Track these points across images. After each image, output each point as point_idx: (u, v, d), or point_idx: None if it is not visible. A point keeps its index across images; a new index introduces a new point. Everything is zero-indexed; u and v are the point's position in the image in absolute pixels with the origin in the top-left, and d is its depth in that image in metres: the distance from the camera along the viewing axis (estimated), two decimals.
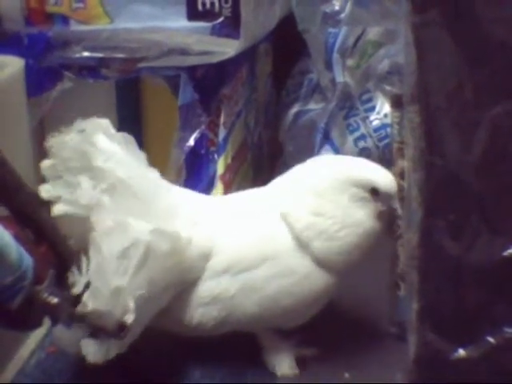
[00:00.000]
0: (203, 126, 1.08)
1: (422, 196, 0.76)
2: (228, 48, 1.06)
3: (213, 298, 0.88)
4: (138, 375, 0.89)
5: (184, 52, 1.07)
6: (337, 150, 1.19)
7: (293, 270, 0.88)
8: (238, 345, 0.92)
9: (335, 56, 1.20)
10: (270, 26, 1.19)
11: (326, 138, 1.20)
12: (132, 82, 1.14)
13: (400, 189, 0.91)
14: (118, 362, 0.81)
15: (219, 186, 1.09)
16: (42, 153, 0.87)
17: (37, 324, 0.76)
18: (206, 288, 0.88)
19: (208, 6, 1.06)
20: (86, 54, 1.07)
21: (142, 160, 0.89)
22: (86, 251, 0.80)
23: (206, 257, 0.89)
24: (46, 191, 0.83)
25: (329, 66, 1.20)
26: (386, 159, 1.12)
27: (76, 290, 0.76)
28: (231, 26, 1.06)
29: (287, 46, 1.28)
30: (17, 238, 0.71)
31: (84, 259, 0.78)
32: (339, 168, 0.90)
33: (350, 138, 1.19)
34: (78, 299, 0.76)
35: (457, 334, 0.76)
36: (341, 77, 1.20)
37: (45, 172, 0.85)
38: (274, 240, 0.89)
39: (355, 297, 1.01)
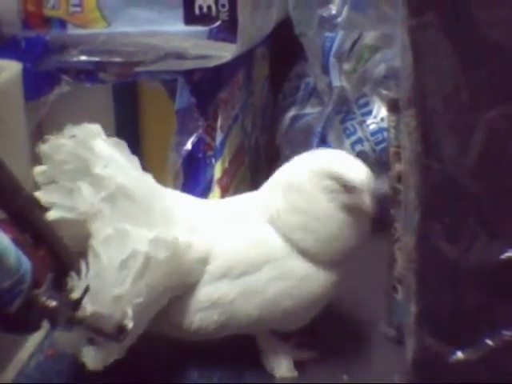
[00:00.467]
0: (200, 130, 1.08)
1: (419, 199, 0.76)
2: (225, 52, 1.06)
3: (212, 303, 0.88)
4: (136, 377, 0.89)
5: (181, 56, 1.07)
6: None
7: (292, 272, 0.89)
8: (237, 346, 0.92)
9: (332, 60, 1.20)
10: (267, 29, 1.19)
11: (323, 142, 1.20)
12: (129, 86, 1.14)
13: (397, 192, 0.91)
14: (115, 365, 0.82)
15: (216, 190, 1.09)
16: (39, 156, 0.87)
17: (35, 327, 0.75)
18: (205, 292, 0.88)
19: (205, 10, 1.06)
20: (83, 57, 1.07)
21: (136, 164, 0.89)
22: (82, 254, 0.80)
23: (204, 260, 0.89)
24: (40, 197, 0.83)
25: (325, 70, 1.21)
26: (382, 163, 1.13)
27: (75, 295, 0.76)
28: (228, 30, 1.06)
29: (284, 50, 1.28)
30: (15, 241, 0.71)
31: (83, 264, 0.78)
32: (315, 161, 0.91)
33: (347, 142, 1.20)
34: (77, 303, 0.76)
35: (455, 336, 0.77)
36: (337, 81, 1.20)
37: (38, 178, 0.85)
38: (271, 243, 0.90)
39: (353, 300, 1.01)
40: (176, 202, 0.91)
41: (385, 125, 1.14)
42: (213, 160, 1.09)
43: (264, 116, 1.33)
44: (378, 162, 1.16)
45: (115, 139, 0.88)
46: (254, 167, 1.28)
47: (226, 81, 1.12)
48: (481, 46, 0.72)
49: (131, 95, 1.16)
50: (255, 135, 1.29)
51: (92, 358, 0.81)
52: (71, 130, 0.86)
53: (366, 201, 0.86)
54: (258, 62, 1.28)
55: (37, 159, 0.86)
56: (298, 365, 0.92)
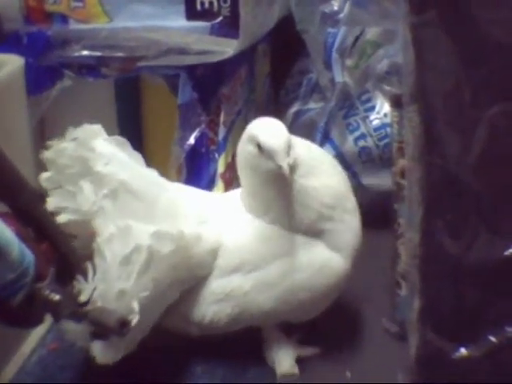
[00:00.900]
0: (203, 125, 1.08)
1: (422, 195, 0.76)
2: (227, 47, 1.06)
3: (226, 295, 0.88)
4: (139, 371, 0.89)
5: (183, 51, 1.07)
6: (337, 149, 1.19)
7: (305, 263, 0.89)
8: (240, 342, 0.92)
9: (334, 56, 1.20)
10: (269, 25, 1.19)
11: (326, 138, 1.20)
12: (131, 81, 1.14)
13: (400, 188, 0.91)
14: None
15: (220, 184, 1.09)
16: (42, 151, 0.87)
17: (38, 321, 0.76)
18: (218, 285, 0.89)
19: (207, 5, 1.06)
20: (85, 52, 1.07)
21: (139, 161, 0.89)
22: (90, 254, 0.81)
23: (214, 252, 0.89)
24: (49, 204, 0.83)
25: (328, 65, 1.20)
26: (386, 158, 1.13)
27: (83, 298, 0.76)
28: (230, 26, 1.06)
29: (286, 46, 1.28)
30: (18, 235, 0.71)
31: (89, 266, 0.78)
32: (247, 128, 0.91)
33: (350, 138, 1.19)
34: (83, 304, 0.76)
35: (458, 333, 0.76)
36: (340, 77, 1.19)
37: (44, 184, 0.85)
38: (279, 236, 0.90)
39: (356, 295, 1.01)
40: (183, 195, 0.92)
41: (388, 120, 1.15)
42: (216, 155, 1.09)
43: (266, 112, 1.33)
44: (381, 158, 1.16)
45: (117, 137, 0.88)
46: None
47: (228, 76, 1.12)
48: (482, 43, 0.72)
49: (133, 90, 1.16)
50: None
51: (102, 353, 0.81)
52: (72, 132, 0.86)
53: (283, 165, 0.84)
54: (260, 59, 1.28)
55: (39, 153, 0.86)
56: (301, 361, 0.92)
